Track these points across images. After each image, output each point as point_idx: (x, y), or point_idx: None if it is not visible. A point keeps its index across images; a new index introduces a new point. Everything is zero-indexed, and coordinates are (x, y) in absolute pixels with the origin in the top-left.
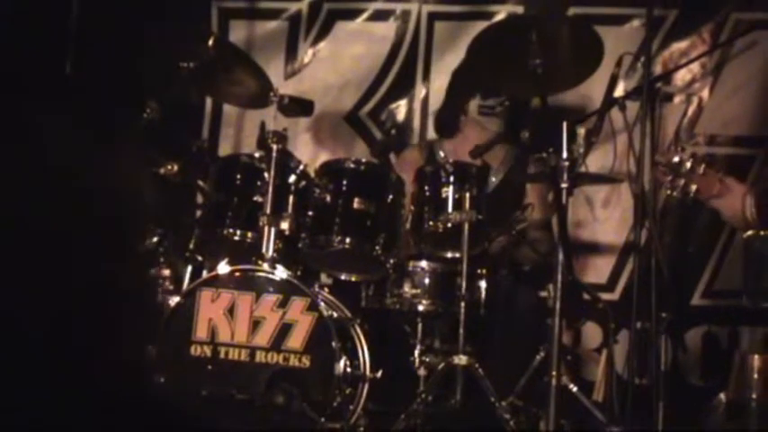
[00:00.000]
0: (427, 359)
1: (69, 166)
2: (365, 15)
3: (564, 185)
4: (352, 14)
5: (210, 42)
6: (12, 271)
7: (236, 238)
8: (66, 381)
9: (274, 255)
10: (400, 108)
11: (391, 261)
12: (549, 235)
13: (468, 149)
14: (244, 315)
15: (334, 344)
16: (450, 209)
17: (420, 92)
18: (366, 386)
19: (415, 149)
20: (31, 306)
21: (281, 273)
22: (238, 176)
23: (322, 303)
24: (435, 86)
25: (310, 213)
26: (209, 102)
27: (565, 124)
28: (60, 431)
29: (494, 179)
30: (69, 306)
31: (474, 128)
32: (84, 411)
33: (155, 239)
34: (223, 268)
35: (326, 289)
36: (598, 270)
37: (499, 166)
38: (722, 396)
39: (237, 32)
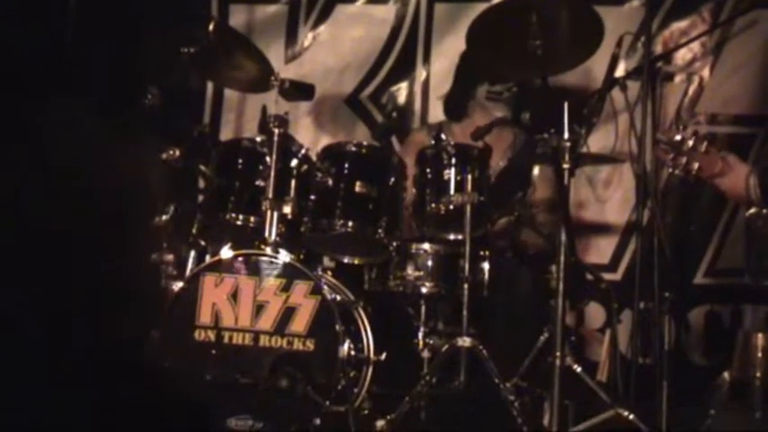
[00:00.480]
0: (431, 341)
1: (71, 158)
2: None
3: (566, 166)
4: None
5: (211, 27)
6: (15, 266)
7: (239, 222)
8: (70, 373)
9: (277, 239)
10: (401, 91)
11: (394, 244)
12: (549, 215)
13: None
14: (247, 299)
15: (337, 327)
16: (452, 191)
17: (420, 74)
18: (370, 369)
19: (423, 131)
20: (36, 292)
21: (283, 257)
22: (240, 161)
23: (325, 287)
24: (435, 69)
25: (312, 197)
26: (210, 87)
27: (566, 105)
28: (66, 421)
29: (501, 163)
30: (79, 290)
31: (481, 113)
32: (88, 402)
33: (165, 217)
34: (226, 253)
35: (329, 272)
36: (600, 250)
37: (506, 150)
38: (726, 375)
39: (237, 17)
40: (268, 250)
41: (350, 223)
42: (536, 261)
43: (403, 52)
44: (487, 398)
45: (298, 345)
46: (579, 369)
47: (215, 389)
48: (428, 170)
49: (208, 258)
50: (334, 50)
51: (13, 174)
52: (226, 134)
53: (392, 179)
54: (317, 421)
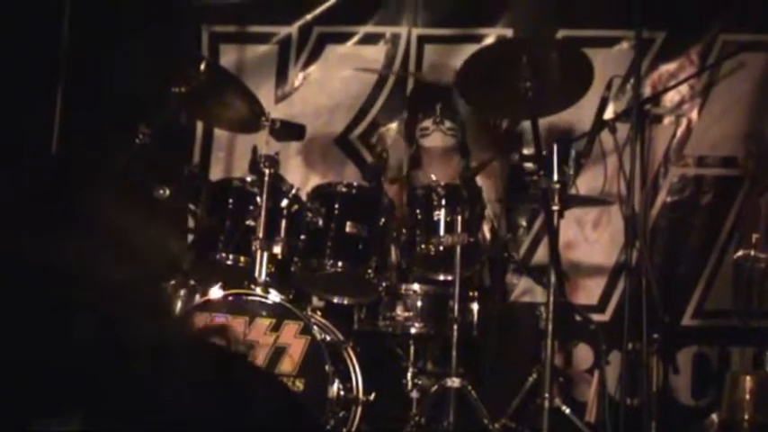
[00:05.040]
0: (420, 381)
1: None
2: (355, 39)
3: (555, 208)
4: (342, 38)
5: (202, 67)
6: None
7: (229, 262)
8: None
9: (267, 279)
10: (390, 131)
11: (383, 284)
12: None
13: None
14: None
15: (327, 367)
16: (442, 231)
17: None
18: (359, 409)
19: (396, 183)
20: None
21: (273, 296)
22: (230, 200)
23: (315, 327)
24: None
25: (303, 237)
26: (200, 126)
27: (555, 147)
28: None
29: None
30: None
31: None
32: None
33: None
34: (216, 292)
35: (319, 312)
36: (589, 291)
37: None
38: (714, 416)
39: (228, 56)
40: (258, 290)
41: (340, 263)
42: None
43: (392, 93)
44: None
45: (287, 384)
46: (568, 410)
47: None
48: (418, 211)
49: (198, 298)
50: (324, 90)
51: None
52: (215, 173)
53: (382, 219)
54: None
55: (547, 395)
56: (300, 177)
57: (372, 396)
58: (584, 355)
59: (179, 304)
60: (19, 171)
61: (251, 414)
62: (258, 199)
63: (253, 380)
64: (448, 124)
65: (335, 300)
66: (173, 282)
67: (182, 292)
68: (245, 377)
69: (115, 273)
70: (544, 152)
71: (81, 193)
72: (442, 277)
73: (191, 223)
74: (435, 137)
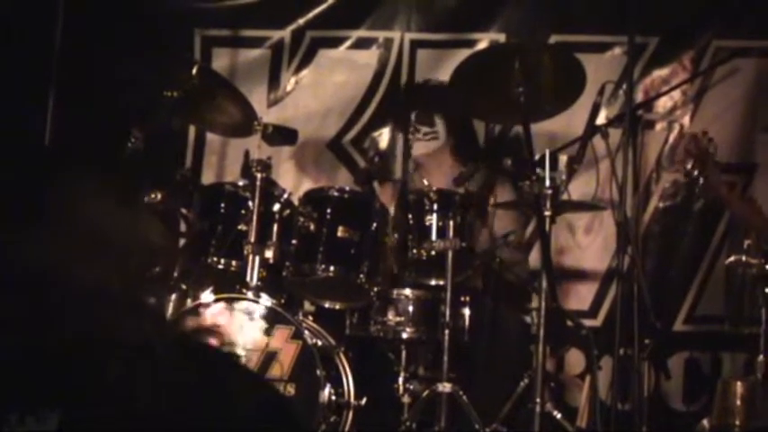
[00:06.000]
0: (411, 386)
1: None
2: (348, 43)
3: (547, 213)
4: (334, 42)
5: (194, 71)
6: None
7: (221, 266)
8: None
9: (258, 283)
10: (383, 136)
11: (375, 289)
12: (524, 257)
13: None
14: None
15: (318, 372)
16: (434, 236)
17: None
18: (351, 414)
19: (388, 185)
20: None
21: (265, 301)
22: (222, 205)
23: (306, 331)
24: None
25: (294, 242)
26: (192, 130)
27: (547, 152)
28: None
29: None
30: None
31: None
32: None
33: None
34: (207, 297)
35: (311, 317)
36: (581, 296)
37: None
38: (705, 422)
39: (221, 60)
40: (249, 294)
41: (331, 268)
42: (517, 305)
43: (385, 97)
44: None
45: (278, 389)
46: (559, 415)
47: None
48: (410, 215)
49: (189, 302)
50: (316, 95)
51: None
52: (208, 178)
53: (374, 224)
54: None
55: (538, 400)
56: (293, 182)
57: (364, 401)
58: (575, 360)
59: (170, 307)
60: None
61: (235, 416)
62: (250, 203)
63: (239, 382)
64: (425, 130)
65: (327, 304)
66: (160, 281)
67: (173, 297)
68: (231, 379)
69: (92, 270)
70: (536, 158)
71: (53, 186)
72: (433, 282)
73: (182, 227)
74: (417, 146)
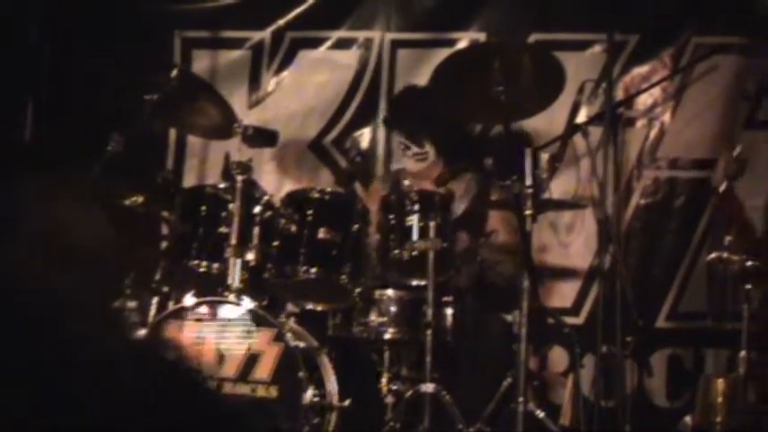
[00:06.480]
0: (394, 387)
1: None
2: (328, 44)
3: (528, 212)
4: (314, 43)
5: (174, 73)
6: None
7: (202, 269)
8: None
9: (240, 285)
10: (364, 136)
11: (357, 290)
12: (512, 258)
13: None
14: (210, 346)
15: (301, 373)
16: (415, 237)
17: None
18: (334, 415)
19: (380, 181)
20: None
21: (247, 303)
22: (203, 207)
23: (288, 334)
24: None
25: (276, 243)
26: (172, 133)
27: (528, 151)
28: None
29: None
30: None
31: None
32: None
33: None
34: (189, 300)
35: (293, 318)
36: (563, 295)
37: (463, 195)
38: (688, 419)
39: (201, 62)
40: (231, 297)
41: (313, 269)
42: (500, 304)
43: (366, 97)
44: None
45: (261, 391)
46: (542, 414)
47: None
48: (391, 216)
49: (171, 305)
50: (297, 95)
51: None
52: (189, 180)
53: (356, 225)
54: None
55: (521, 399)
56: (274, 183)
57: (347, 402)
58: (558, 358)
59: (151, 314)
60: None
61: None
62: (231, 206)
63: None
64: (414, 150)
65: (309, 306)
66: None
67: (153, 301)
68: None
69: (54, 279)
70: (516, 156)
71: (8, 189)
72: (415, 282)
73: (164, 230)
74: (406, 162)
